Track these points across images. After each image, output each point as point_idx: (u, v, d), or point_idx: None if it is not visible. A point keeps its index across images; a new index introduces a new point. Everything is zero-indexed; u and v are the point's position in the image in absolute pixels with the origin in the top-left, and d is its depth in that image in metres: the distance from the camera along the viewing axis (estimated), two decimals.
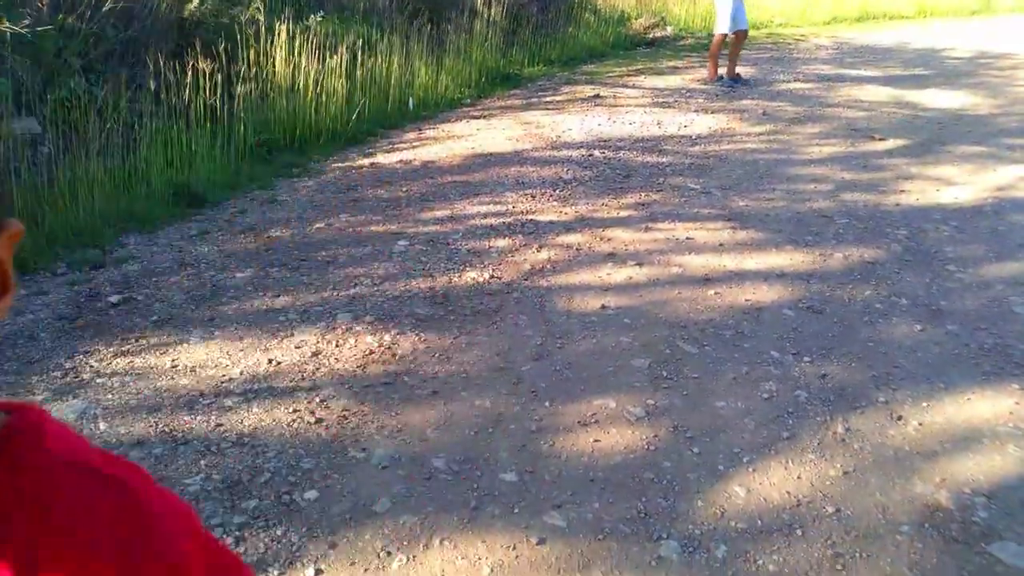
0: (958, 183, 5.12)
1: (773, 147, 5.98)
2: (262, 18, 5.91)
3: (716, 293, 3.51)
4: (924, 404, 2.69)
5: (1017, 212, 4.59)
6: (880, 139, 6.18)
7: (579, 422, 2.56)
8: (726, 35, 7.90)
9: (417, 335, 3.05)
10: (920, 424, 2.58)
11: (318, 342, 2.98)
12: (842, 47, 11.05)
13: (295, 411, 2.55)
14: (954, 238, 4.21)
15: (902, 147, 5.99)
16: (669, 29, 11.53)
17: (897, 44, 11.28)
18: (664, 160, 5.55)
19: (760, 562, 1.99)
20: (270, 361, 2.85)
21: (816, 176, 5.28)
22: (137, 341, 2.97)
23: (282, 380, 2.74)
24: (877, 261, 3.90)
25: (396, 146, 5.76)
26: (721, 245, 4.05)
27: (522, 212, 4.41)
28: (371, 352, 2.92)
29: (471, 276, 3.59)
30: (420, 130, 6.25)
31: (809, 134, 6.34)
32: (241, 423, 2.49)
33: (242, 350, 2.92)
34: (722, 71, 8.08)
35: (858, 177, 5.25)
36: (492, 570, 1.95)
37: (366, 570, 1.94)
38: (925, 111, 7.19)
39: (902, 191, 4.96)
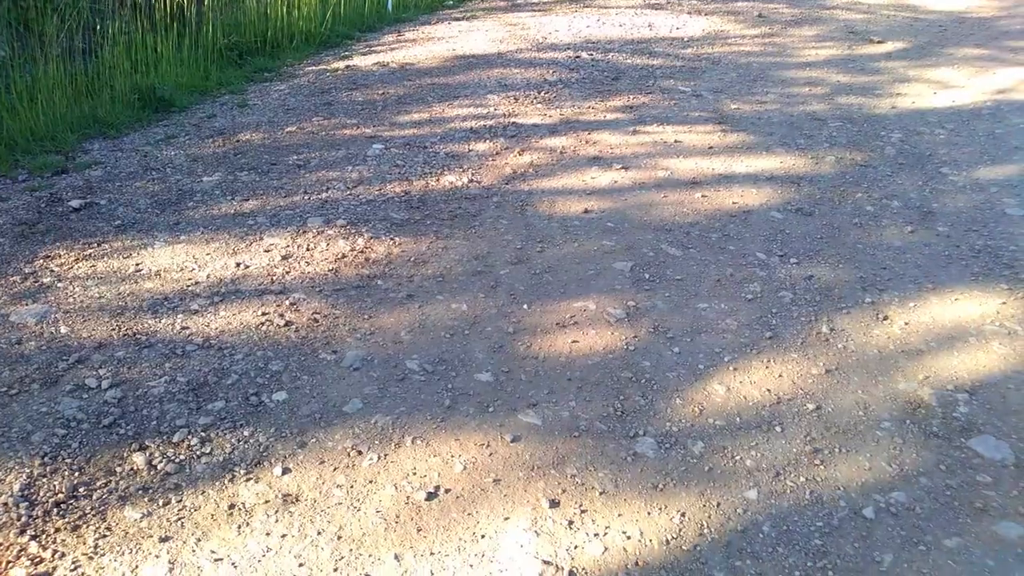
0: (956, 86, 4.95)
1: (768, 50, 5.75)
2: None
3: (703, 196, 3.40)
4: (911, 304, 2.63)
5: (1016, 115, 4.45)
6: (879, 42, 5.95)
7: (558, 324, 2.49)
8: None
9: (392, 239, 2.95)
10: (906, 324, 2.52)
11: (288, 246, 2.88)
12: None
13: (264, 314, 2.47)
14: (949, 141, 4.08)
15: (901, 50, 5.77)
16: None
17: None
18: (654, 62, 5.33)
19: (738, 457, 1.95)
20: (238, 265, 2.75)
21: (811, 79, 5.09)
22: (99, 246, 2.85)
23: (250, 284, 2.64)
24: (870, 164, 3.78)
25: (373, 49, 5.50)
26: (710, 148, 3.91)
27: (504, 115, 4.23)
28: (343, 256, 2.82)
29: (449, 180, 3.45)
30: (399, 32, 5.97)
31: (805, 37, 6.10)
32: (207, 326, 2.41)
33: (209, 254, 2.81)
34: None
35: (854, 80, 5.06)
36: (465, 467, 1.91)
37: (335, 469, 1.89)
38: (927, 14, 6.92)
39: (898, 94, 4.80)
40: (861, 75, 5.17)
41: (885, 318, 2.55)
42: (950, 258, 2.94)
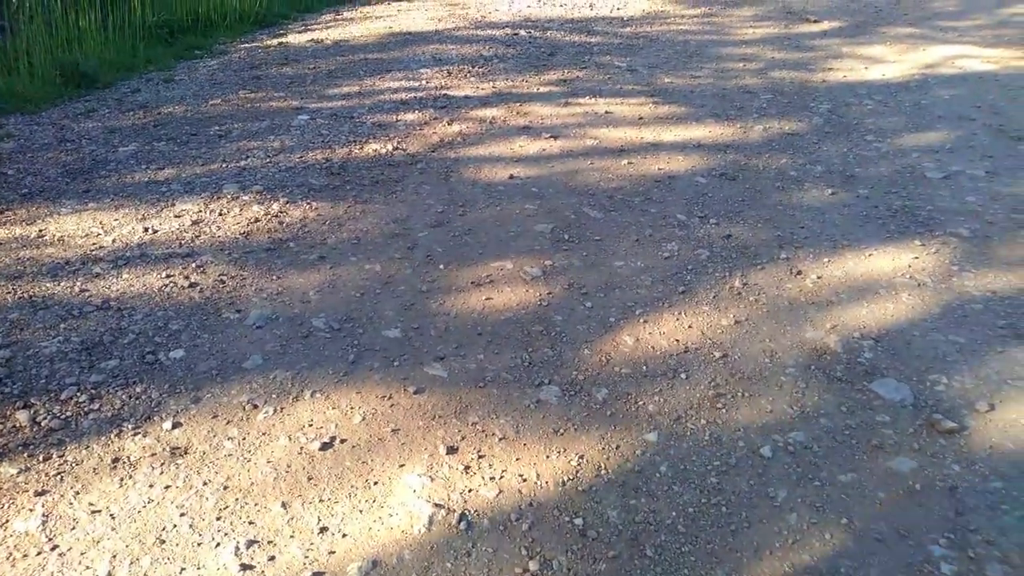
0: (887, 61, 5.03)
1: (706, 29, 5.79)
2: None
3: (629, 163, 3.40)
4: (825, 260, 2.65)
5: (941, 87, 4.53)
6: (815, 21, 6.03)
7: (473, 282, 2.46)
8: None
9: (308, 204, 2.89)
10: (818, 278, 2.54)
11: (200, 211, 2.80)
12: None
13: (168, 276, 2.40)
14: (876, 111, 4.14)
15: (836, 28, 5.85)
16: None
17: None
18: (593, 40, 5.33)
19: (640, 403, 1.95)
20: (146, 230, 2.67)
21: (746, 56, 5.13)
22: (2, 214, 2.75)
23: (158, 248, 2.57)
24: (797, 133, 3.82)
25: (309, 27, 5.42)
26: (641, 119, 3.92)
27: (436, 88, 4.19)
28: (256, 220, 2.76)
29: (373, 148, 3.40)
30: (338, 12, 5.89)
31: (744, 17, 6.16)
32: (108, 288, 2.33)
33: (117, 220, 2.73)
34: None
35: (788, 56, 5.12)
36: (364, 418, 1.87)
37: (228, 422, 1.84)
38: None
39: (830, 69, 4.86)
40: (796, 52, 5.23)
41: (798, 273, 2.57)
42: (867, 218, 2.98)
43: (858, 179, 3.31)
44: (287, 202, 2.89)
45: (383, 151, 3.38)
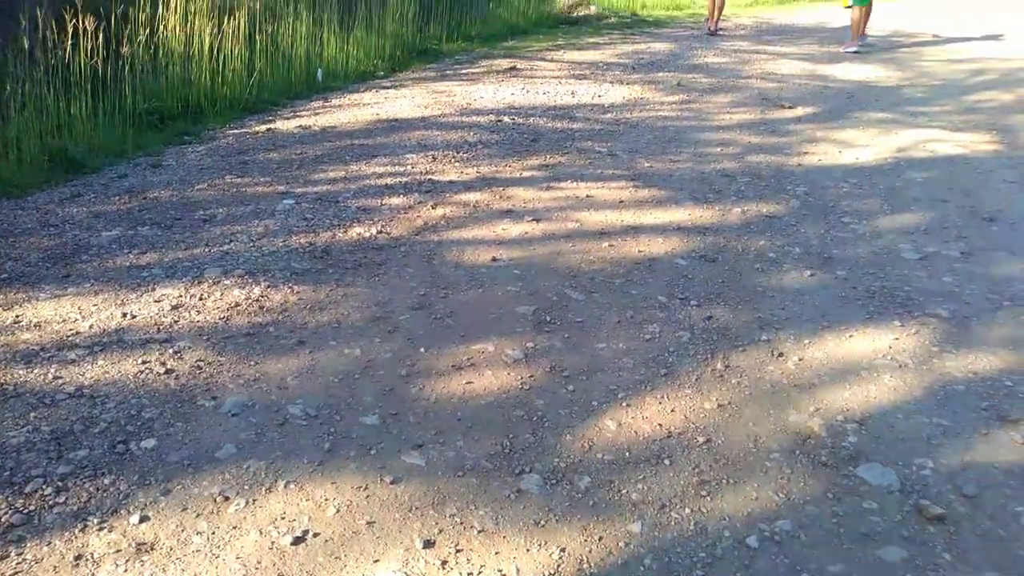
0: (861, 145, 5.18)
1: (684, 115, 5.97)
2: None
3: (610, 245, 3.44)
4: (806, 342, 2.66)
5: (914, 170, 4.66)
6: (789, 107, 6.24)
7: (453, 366, 2.44)
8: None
9: (290, 287, 2.89)
10: (800, 359, 2.54)
11: (180, 296, 2.79)
12: (761, 26, 11.21)
13: (144, 362, 2.36)
14: (852, 194, 4.24)
15: (810, 114, 6.05)
16: (593, 8, 11.51)
17: (815, 24, 11.50)
18: (574, 126, 5.47)
19: (623, 491, 1.90)
20: (124, 315, 2.64)
21: (723, 140, 5.27)
22: None
23: (135, 334, 2.54)
24: (775, 215, 3.89)
25: (298, 114, 5.54)
26: (621, 202, 3.99)
27: (421, 172, 4.26)
28: (237, 304, 2.74)
29: (357, 231, 3.43)
30: (327, 99, 6.04)
31: (721, 103, 6.36)
32: (82, 375, 2.29)
33: (95, 305, 2.71)
34: None
35: (764, 141, 5.26)
36: (338, 510, 1.82)
37: (198, 516, 1.78)
38: (836, 83, 7.29)
39: (806, 153, 4.99)
40: (772, 136, 5.38)
41: (780, 355, 2.57)
42: (847, 299, 3.01)
43: (836, 260, 3.35)
44: (269, 286, 2.88)
45: (367, 235, 3.40)
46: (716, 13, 10.22)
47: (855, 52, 9.00)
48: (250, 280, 2.92)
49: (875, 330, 2.76)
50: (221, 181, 4.00)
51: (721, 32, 10.33)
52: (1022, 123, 5.56)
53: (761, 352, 2.58)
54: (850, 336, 2.71)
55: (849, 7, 9.26)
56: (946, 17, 12.03)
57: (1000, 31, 10.41)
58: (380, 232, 3.43)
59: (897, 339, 2.69)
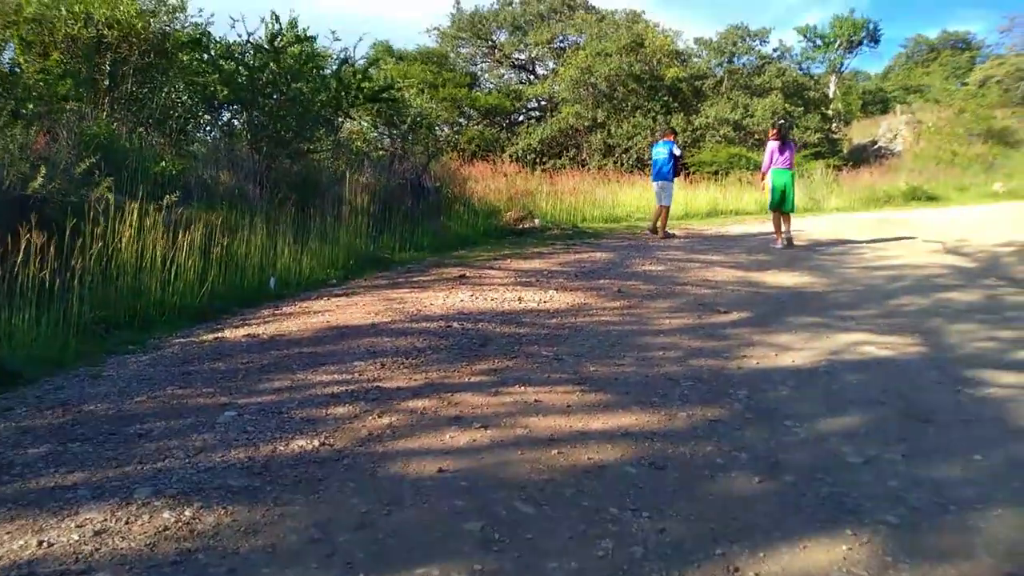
0: (796, 349, 5.40)
1: (627, 319, 6.20)
2: (111, 197, 5.81)
3: (559, 453, 3.41)
4: (761, 554, 2.60)
5: (848, 372, 4.83)
6: (725, 312, 6.54)
7: None
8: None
9: (224, 508, 2.74)
10: (756, 575, 2.47)
11: (105, 520, 2.62)
12: (693, 236, 12.04)
13: None
14: (792, 397, 4.35)
15: (745, 319, 6.34)
16: (537, 221, 12.28)
17: (742, 234, 12.41)
18: (522, 331, 5.62)
19: None
20: (40, 543, 2.45)
21: (665, 345, 5.45)
22: None
23: (50, 565, 2.34)
24: (719, 419, 3.94)
25: (248, 322, 5.58)
26: (569, 407, 4.01)
27: (369, 380, 4.25)
28: (166, 528, 2.58)
29: (299, 444, 3.34)
30: (277, 307, 6.13)
31: (660, 308, 6.65)
32: None
33: (9, 533, 2.51)
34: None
35: (704, 344, 5.45)
36: None
37: None
38: (767, 289, 7.74)
39: (744, 356, 5.17)
40: (711, 340, 5.59)
41: (736, 570, 2.49)
42: (797, 507, 2.98)
43: (783, 466, 3.36)
44: (201, 507, 2.74)
45: (309, 447, 3.32)
46: (662, 224, 11.79)
47: (780, 248, 10.44)
48: (182, 500, 2.77)
49: (828, 539, 2.71)
50: (162, 392, 3.91)
51: (660, 240, 11.18)
52: (941, 326, 5.91)
53: (717, 568, 2.50)
54: (804, 547, 2.66)
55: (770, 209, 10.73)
56: (863, 228, 13.13)
57: (910, 233, 11.37)
58: (323, 444, 3.35)
59: (850, 549, 2.64)
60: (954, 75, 42.41)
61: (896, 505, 2.97)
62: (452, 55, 28.51)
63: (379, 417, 3.72)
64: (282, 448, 3.29)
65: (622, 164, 23.31)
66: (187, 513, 2.69)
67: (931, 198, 20.95)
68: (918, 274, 8.39)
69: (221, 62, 9.50)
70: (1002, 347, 5.22)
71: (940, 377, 4.61)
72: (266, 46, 9.66)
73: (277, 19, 9.99)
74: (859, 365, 4.93)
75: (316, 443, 3.35)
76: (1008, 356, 4.99)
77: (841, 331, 5.94)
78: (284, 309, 6.04)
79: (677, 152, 11.59)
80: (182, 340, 5.05)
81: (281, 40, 9.80)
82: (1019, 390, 4.27)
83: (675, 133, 12.14)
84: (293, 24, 10.16)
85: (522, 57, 29.29)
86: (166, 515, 2.67)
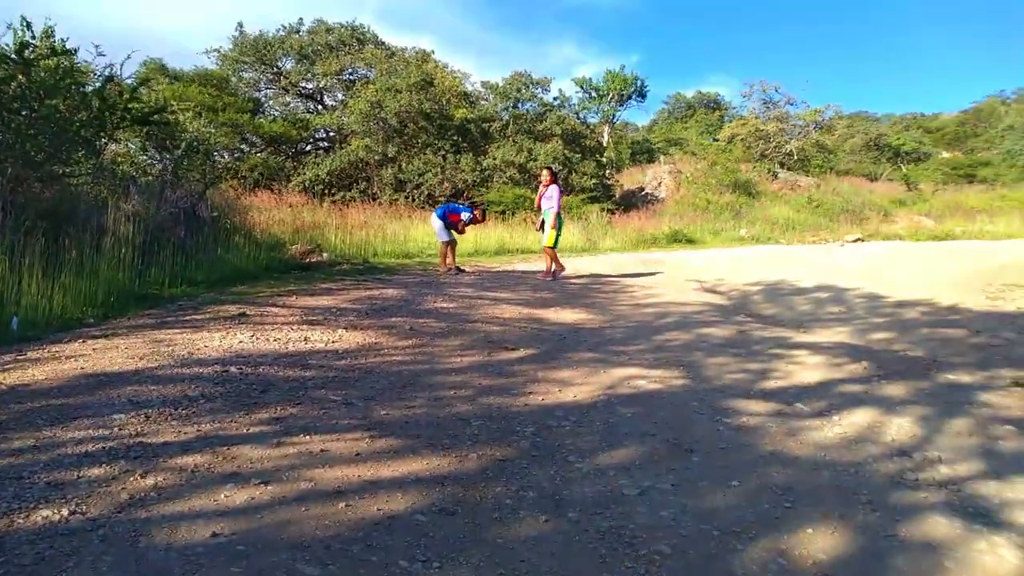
0: (576, 384, 5.68)
1: (418, 358, 6.17)
2: None
3: (347, 506, 3.27)
4: None
5: (623, 406, 5.16)
6: (512, 349, 6.74)
7: None
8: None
9: None
10: None
11: None
12: (483, 274, 12.34)
13: None
14: (574, 432, 4.55)
15: (531, 355, 6.57)
16: (325, 255, 11.93)
17: (526, 270, 12.94)
18: (307, 374, 5.38)
19: None
20: None
21: (456, 383, 5.48)
22: None
23: None
24: (508, 458, 4.01)
25: None
26: (358, 455, 3.88)
27: (130, 435, 3.83)
28: None
29: (43, 514, 2.91)
30: (20, 351, 5.36)
31: (451, 346, 6.70)
32: None
33: None
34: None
35: (493, 382, 5.56)
36: None
37: None
38: (550, 325, 8.10)
39: (530, 393, 5.34)
40: (500, 378, 5.72)
41: None
42: (580, 543, 3.10)
43: (566, 502, 3.49)
44: None
45: (55, 517, 2.90)
46: (451, 259, 12.34)
47: (552, 280, 11.83)
48: None
49: (608, 575, 2.84)
50: None
51: (448, 278, 11.34)
52: (701, 359, 6.52)
53: None
54: None
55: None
56: (633, 267, 14.25)
57: (675, 273, 12.51)
58: (73, 513, 2.94)
59: None
60: (707, 131, 48.10)
61: (668, 534, 3.19)
62: (234, 79, 27.14)
63: (142, 478, 3.35)
64: (21, 521, 2.84)
65: (414, 200, 23.46)
66: None
67: (690, 241, 23.32)
68: (682, 311, 9.23)
69: None
70: (751, 378, 5.85)
71: (701, 408, 5.07)
72: (13, 56, 8.56)
73: (28, 26, 8.91)
74: (632, 399, 5.28)
75: (64, 512, 2.94)
76: (756, 386, 5.61)
77: (616, 366, 6.35)
78: (29, 354, 5.30)
79: (466, 217, 12.28)
80: None
81: (33, 51, 8.74)
82: (766, 418, 4.81)
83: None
84: (48, 33, 9.12)
85: (309, 86, 28.60)
86: None
